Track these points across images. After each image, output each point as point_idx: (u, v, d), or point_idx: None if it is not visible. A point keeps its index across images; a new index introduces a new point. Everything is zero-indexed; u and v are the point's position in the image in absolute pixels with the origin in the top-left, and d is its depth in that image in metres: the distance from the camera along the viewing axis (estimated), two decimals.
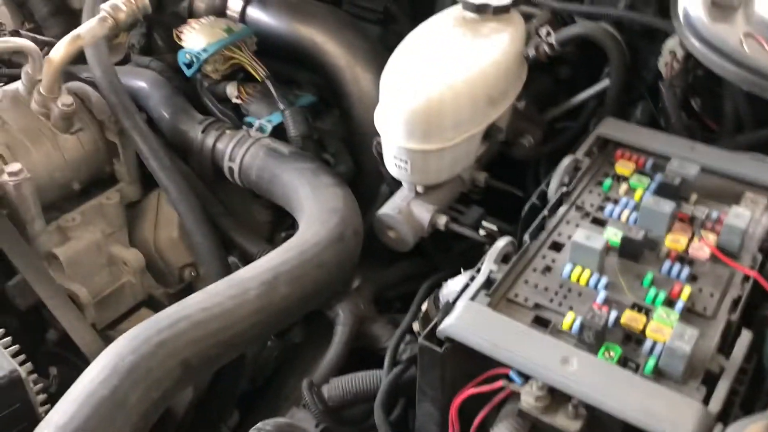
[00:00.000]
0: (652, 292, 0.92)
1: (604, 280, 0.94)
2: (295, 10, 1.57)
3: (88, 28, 1.35)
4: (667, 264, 0.96)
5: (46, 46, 1.47)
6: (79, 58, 1.43)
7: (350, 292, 1.40)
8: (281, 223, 1.54)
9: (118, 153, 1.49)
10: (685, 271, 0.95)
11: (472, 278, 0.97)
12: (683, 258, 0.97)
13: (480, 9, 1.18)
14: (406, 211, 1.23)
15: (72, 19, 1.73)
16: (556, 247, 1.01)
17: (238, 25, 1.59)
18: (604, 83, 1.35)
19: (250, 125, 1.51)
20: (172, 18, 1.66)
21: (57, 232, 1.41)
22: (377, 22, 1.67)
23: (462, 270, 1.14)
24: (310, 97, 1.58)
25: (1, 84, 1.44)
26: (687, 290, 0.92)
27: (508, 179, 1.36)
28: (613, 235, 0.97)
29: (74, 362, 1.33)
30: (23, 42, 1.39)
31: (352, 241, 1.25)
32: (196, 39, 1.54)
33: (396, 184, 1.29)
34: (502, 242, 1.00)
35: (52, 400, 0.99)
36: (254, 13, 1.61)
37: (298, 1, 1.60)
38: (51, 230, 1.39)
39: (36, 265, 1.33)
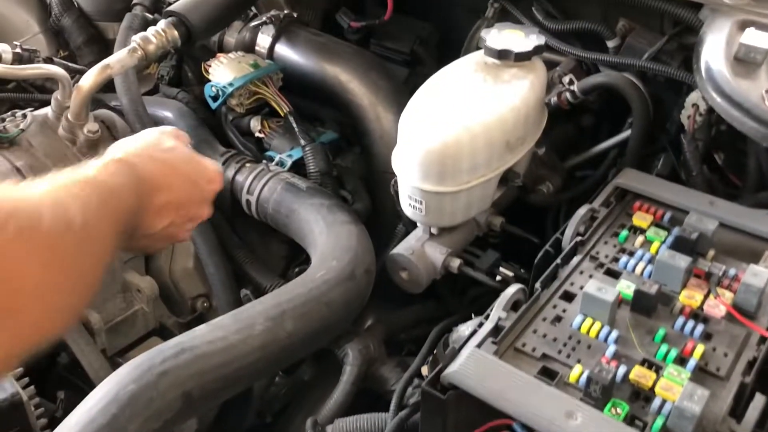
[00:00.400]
0: (664, 348, 0.89)
1: (614, 334, 0.91)
2: (321, 49, 1.59)
3: (118, 58, 1.38)
4: (680, 320, 0.93)
5: (78, 74, 1.50)
6: (110, 86, 1.46)
7: (361, 332, 1.39)
8: (296, 258, 1.54)
9: None
10: (699, 328, 0.92)
11: (480, 325, 0.95)
12: (698, 315, 0.94)
13: (502, 55, 1.18)
14: (420, 252, 1.22)
15: (105, 48, 1.77)
16: (568, 297, 0.99)
17: (265, 61, 1.62)
18: (627, 133, 1.34)
19: (271, 159, 1.52)
20: (202, 52, 1.69)
21: None
22: (404, 63, 1.69)
23: (473, 315, 1.12)
24: (332, 134, 1.59)
25: (33, 109, 1.47)
26: (700, 348, 0.89)
27: (529, 225, 1.35)
28: (626, 287, 0.95)
29: (82, 388, 1.33)
30: (54, 68, 1.42)
31: (363, 279, 1.23)
32: (223, 73, 1.56)
33: (413, 225, 1.28)
34: (512, 289, 0.98)
35: (57, 424, 0.98)
36: (282, 50, 1.64)
37: (326, 41, 1.62)
38: None
39: None
